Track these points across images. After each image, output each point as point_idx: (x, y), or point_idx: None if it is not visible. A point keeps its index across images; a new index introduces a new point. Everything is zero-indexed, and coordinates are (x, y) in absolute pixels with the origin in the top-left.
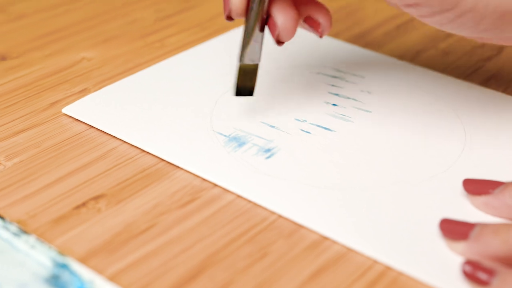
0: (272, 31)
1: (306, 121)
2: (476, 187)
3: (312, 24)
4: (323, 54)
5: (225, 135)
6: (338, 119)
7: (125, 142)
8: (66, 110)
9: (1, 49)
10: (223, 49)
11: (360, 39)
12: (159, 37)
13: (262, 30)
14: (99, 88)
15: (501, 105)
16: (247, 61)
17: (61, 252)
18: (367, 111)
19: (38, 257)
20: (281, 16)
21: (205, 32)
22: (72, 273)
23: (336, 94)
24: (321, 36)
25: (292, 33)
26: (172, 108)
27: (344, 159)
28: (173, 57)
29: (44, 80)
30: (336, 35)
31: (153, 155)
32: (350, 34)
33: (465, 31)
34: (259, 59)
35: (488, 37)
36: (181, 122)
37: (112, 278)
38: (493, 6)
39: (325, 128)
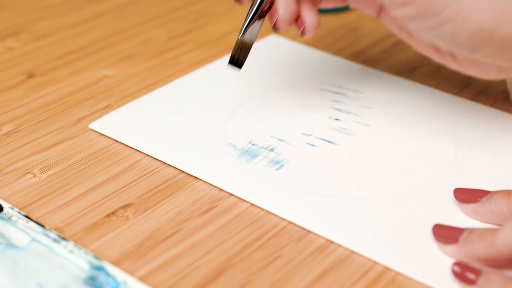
0: (271, 17)
1: (311, 135)
2: (465, 196)
3: (298, 23)
4: (326, 71)
5: (238, 148)
6: (340, 133)
7: (148, 155)
8: (93, 125)
9: (28, 67)
10: None
11: (359, 56)
12: (173, 55)
13: (264, 16)
14: (121, 104)
15: (489, 118)
16: (247, 37)
17: (97, 256)
18: (366, 125)
19: (77, 260)
20: (282, 7)
21: (216, 49)
22: (108, 274)
23: (338, 109)
24: (301, 36)
25: (289, 24)
26: (190, 124)
27: (346, 170)
28: (188, 75)
29: (70, 97)
30: (337, 53)
31: (173, 167)
32: (350, 51)
33: (442, 41)
34: (255, 38)
35: (461, 55)
36: (198, 136)
37: (142, 279)
38: (471, 21)
39: (329, 141)
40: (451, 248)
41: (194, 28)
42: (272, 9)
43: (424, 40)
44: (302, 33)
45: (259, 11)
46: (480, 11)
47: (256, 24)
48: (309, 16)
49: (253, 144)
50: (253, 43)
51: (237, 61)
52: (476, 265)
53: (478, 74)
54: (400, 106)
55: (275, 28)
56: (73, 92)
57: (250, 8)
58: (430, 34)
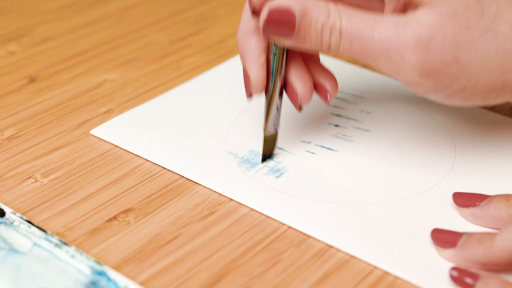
0: (293, 100)
1: (311, 142)
2: (464, 200)
3: (320, 90)
4: None
5: (238, 157)
6: (340, 139)
7: (148, 160)
8: (94, 131)
9: (30, 71)
10: (235, 72)
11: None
12: (174, 59)
13: (281, 96)
14: (123, 109)
15: (489, 123)
16: (271, 130)
17: (98, 261)
18: (366, 130)
19: (78, 265)
20: (300, 84)
21: (217, 53)
22: (109, 279)
23: (338, 115)
24: (327, 103)
25: (310, 97)
26: (190, 129)
27: (345, 176)
28: (190, 81)
29: (72, 101)
30: (337, 56)
31: (174, 172)
32: None
33: (457, 104)
34: (279, 125)
35: (477, 106)
36: (198, 144)
37: (143, 284)
38: (480, 87)
39: (328, 149)
40: (449, 252)
41: (195, 32)
42: (289, 90)
43: None
44: (327, 100)
45: (274, 101)
46: (488, 76)
47: (276, 112)
48: (327, 80)
49: (253, 153)
50: (277, 131)
51: (269, 156)
52: (474, 269)
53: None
54: (400, 111)
55: (300, 109)
56: (75, 96)
57: (266, 101)
58: (443, 101)
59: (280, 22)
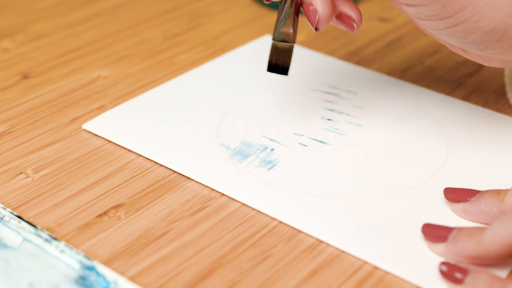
0: (311, 17)
1: (303, 135)
2: (455, 195)
3: (345, 19)
4: (320, 71)
5: (230, 149)
6: (332, 133)
7: (141, 155)
8: (87, 126)
9: (23, 68)
10: (228, 68)
11: (353, 56)
12: (168, 55)
13: (297, 14)
14: (115, 105)
15: (481, 118)
16: (279, 38)
17: (88, 256)
18: (358, 125)
19: (68, 260)
20: (321, 4)
21: (210, 50)
22: (98, 274)
23: (331, 110)
24: (353, 30)
25: (329, 21)
26: (182, 124)
27: (337, 170)
28: (182, 75)
29: (65, 97)
30: (331, 53)
31: (165, 167)
32: (344, 51)
33: (454, 40)
34: (293, 40)
35: (472, 51)
36: (190, 137)
37: (133, 279)
38: (484, 22)
39: (321, 142)
40: (440, 246)
41: (189, 28)
42: (305, 7)
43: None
44: (353, 27)
45: (287, 10)
46: (494, 13)
47: (288, 24)
48: (352, 9)
49: (245, 144)
50: (292, 44)
51: (277, 67)
52: (463, 264)
53: (483, 62)
54: (392, 106)
55: (316, 29)
56: (68, 92)
57: (279, 5)
58: (442, 32)
59: None
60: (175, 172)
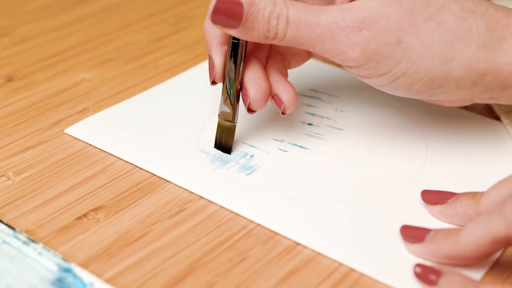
0: (244, 100)
1: (284, 140)
2: (432, 198)
3: (276, 101)
4: (301, 74)
5: (210, 155)
6: (313, 138)
7: (121, 158)
8: (68, 130)
9: (8, 71)
10: None
11: None
12: (152, 58)
13: (237, 99)
14: (98, 108)
15: (461, 121)
16: (222, 117)
17: (65, 258)
18: (339, 129)
19: (45, 262)
20: (253, 88)
21: (194, 53)
22: (75, 276)
23: (312, 114)
24: (283, 114)
25: (263, 104)
26: (164, 130)
27: (315, 174)
28: (165, 82)
29: (48, 101)
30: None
31: (146, 170)
32: None
33: (400, 93)
34: (233, 120)
35: (422, 98)
36: (171, 142)
37: (109, 281)
38: (422, 73)
39: (300, 147)
40: (418, 246)
41: (174, 31)
42: (242, 90)
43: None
44: (283, 112)
45: (229, 94)
46: (429, 62)
47: (230, 107)
48: (285, 92)
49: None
50: (234, 125)
51: (222, 145)
52: (437, 266)
53: (445, 104)
54: (373, 110)
55: (249, 111)
56: (51, 95)
57: (223, 86)
58: (387, 88)
59: (228, 11)
60: (155, 175)
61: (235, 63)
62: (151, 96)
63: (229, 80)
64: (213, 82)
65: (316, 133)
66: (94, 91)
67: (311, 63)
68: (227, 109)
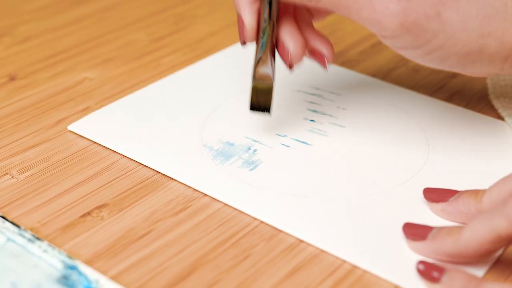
0: (284, 57)
1: (286, 136)
2: (434, 195)
3: (317, 56)
4: (304, 73)
5: (213, 149)
6: (315, 134)
7: (125, 156)
8: (72, 127)
9: (10, 70)
10: (213, 70)
11: (338, 58)
12: (154, 57)
13: (272, 55)
14: (101, 106)
15: (463, 119)
16: (258, 79)
17: (70, 256)
18: (341, 126)
19: (50, 260)
20: (291, 42)
21: (195, 52)
22: (80, 273)
23: (314, 111)
24: (325, 67)
25: (302, 57)
26: (166, 125)
27: (318, 171)
28: (166, 78)
29: (51, 99)
30: None
31: (149, 167)
32: None
33: (434, 65)
34: (271, 79)
35: (452, 70)
36: (174, 138)
37: (114, 278)
38: (459, 46)
39: (303, 142)
40: (420, 244)
41: (175, 31)
42: (281, 48)
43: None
44: (325, 64)
45: (262, 51)
46: (467, 36)
47: (264, 65)
48: (324, 45)
49: (228, 145)
50: (270, 85)
51: (259, 106)
52: (440, 263)
53: (471, 75)
54: (375, 107)
55: (291, 67)
56: (54, 94)
57: (256, 46)
58: (421, 60)
59: None
60: (159, 172)
61: (271, 18)
62: (153, 92)
63: (264, 37)
64: (243, 42)
65: (319, 129)
66: (96, 90)
67: (313, 62)
68: (263, 69)
